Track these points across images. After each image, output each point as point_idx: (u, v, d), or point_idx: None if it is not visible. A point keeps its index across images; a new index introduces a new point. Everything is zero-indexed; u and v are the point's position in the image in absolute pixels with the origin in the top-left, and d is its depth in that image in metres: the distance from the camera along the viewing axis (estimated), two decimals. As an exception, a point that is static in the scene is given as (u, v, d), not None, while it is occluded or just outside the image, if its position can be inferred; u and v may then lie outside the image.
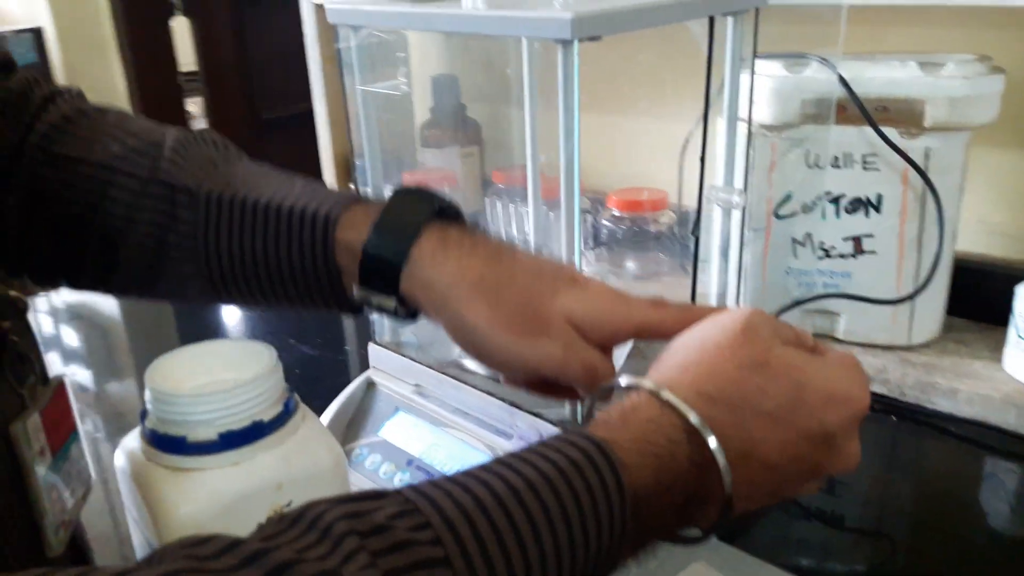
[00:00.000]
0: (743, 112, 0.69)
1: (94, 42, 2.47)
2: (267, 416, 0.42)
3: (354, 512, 0.30)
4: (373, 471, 0.66)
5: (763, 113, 0.83)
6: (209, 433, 0.41)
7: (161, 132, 0.52)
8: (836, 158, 0.84)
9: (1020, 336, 0.80)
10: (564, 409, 0.59)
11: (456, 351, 0.57)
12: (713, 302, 0.72)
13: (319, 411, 0.69)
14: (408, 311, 0.47)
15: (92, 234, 0.49)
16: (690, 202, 0.68)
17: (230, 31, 2.71)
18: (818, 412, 0.40)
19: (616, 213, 0.94)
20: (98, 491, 0.69)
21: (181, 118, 2.73)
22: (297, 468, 0.43)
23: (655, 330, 0.46)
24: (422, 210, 0.46)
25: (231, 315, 1.11)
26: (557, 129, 0.54)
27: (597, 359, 0.45)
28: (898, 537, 0.69)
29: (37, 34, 2.38)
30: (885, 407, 0.82)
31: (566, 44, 0.50)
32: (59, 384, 0.45)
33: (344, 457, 0.47)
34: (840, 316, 0.89)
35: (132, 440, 0.44)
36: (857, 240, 0.85)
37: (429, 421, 0.66)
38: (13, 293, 0.42)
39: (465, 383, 0.64)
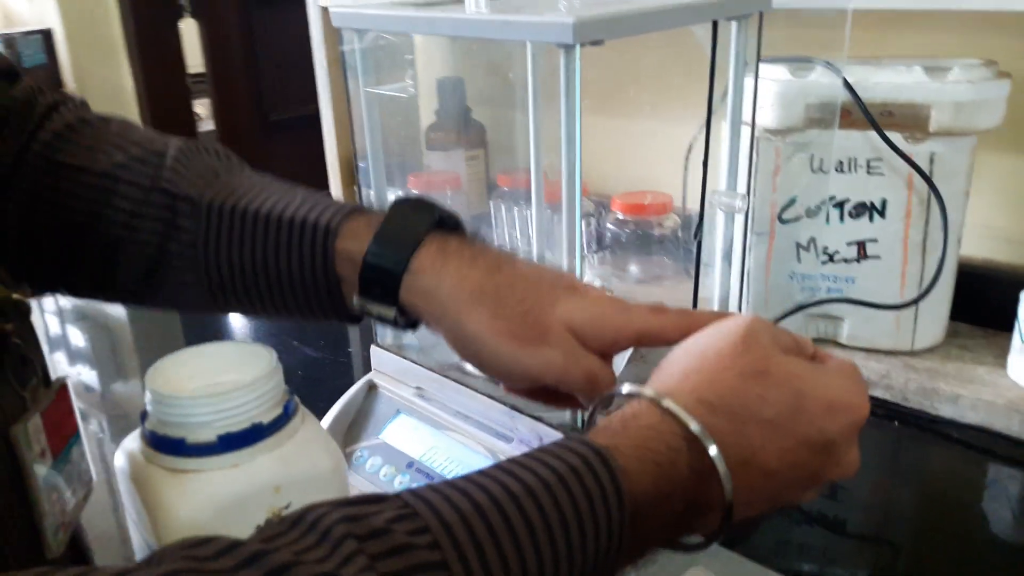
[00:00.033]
0: (747, 116, 0.68)
1: (103, 44, 2.48)
2: (266, 418, 0.43)
3: (353, 515, 0.30)
4: (373, 473, 0.66)
5: (768, 117, 0.83)
6: (208, 435, 0.41)
7: (164, 142, 0.52)
8: (840, 162, 0.83)
9: (1024, 342, 0.79)
10: (564, 413, 0.59)
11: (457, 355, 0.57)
12: (716, 307, 0.72)
13: (322, 413, 0.69)
14: (408, 321, 0.48)
15: (93, 242, 0.50)
16: (694, 206, 0.68)
17: (238, 33, 2.72)
18: (818, 420, 0.40)
19: (620, 216, 0.94)
20: (103, 492, 0.70)
21: (189, 120, 2.74)
22: (296, 470, 0.43)
23: (655, 336, 0.46)
24: (422, 220, 0.46)
25: (236, 317, 1.12)
26: (561, 132, 0.54)
27: (597, 367, 0.45)
28: (900, 543, 0.69)
29: (46, 35, 2.39)
30: (888, 412, 0.82)
31: (568, 48, 0.50)
32: (61, 386, 0.45)
33: (343, 460, 0.47)
34: (843, 321, 0.89)
35: (132, 441, 0.44)
36: (861, 245, 0.85)
37: (430, 424, 0.66)
38: (16, 296, 0.42)
39: (466, 386, 0.64)
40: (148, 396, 0.43)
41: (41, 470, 0.40)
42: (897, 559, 0.67)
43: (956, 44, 0.89)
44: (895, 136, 0.79)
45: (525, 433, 0.60)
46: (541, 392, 0.48)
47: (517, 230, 0.96)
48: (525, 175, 0.77)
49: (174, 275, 0.50)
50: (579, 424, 0.58)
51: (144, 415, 0.44)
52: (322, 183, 1.47)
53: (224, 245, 0.48)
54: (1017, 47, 0.85)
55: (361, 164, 0.70)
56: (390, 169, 0.72)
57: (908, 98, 0.79)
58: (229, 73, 2.74)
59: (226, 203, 0.49)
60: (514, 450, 0.60)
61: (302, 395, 0.48)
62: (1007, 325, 0.82)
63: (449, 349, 0.47)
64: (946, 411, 0.80)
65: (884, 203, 0.83)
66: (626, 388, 0.41)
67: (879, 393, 0.84)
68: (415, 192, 1.01)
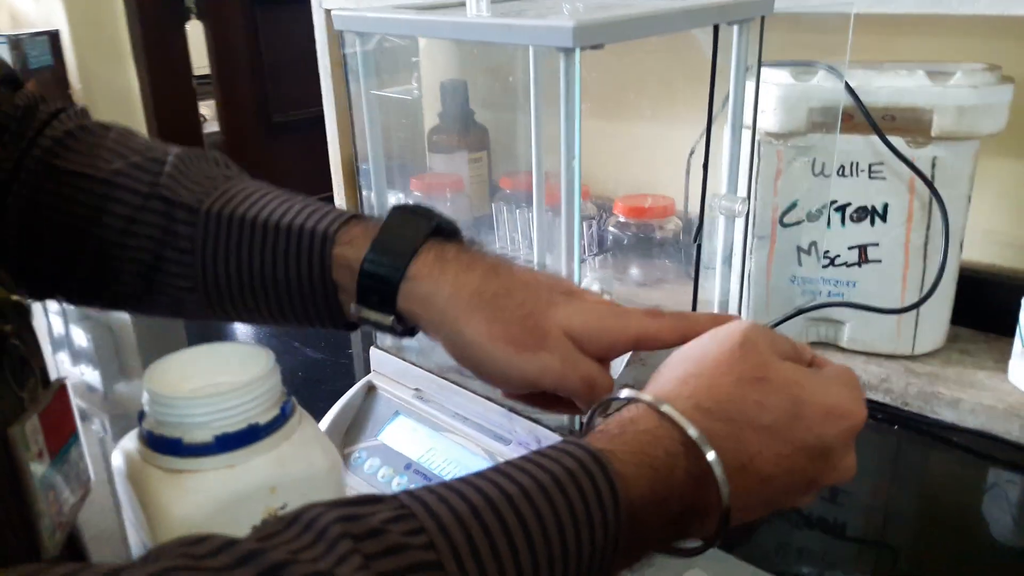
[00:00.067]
0: (748, 120, 0.68)
1: (110, 45, 2.49)
2: (263, 419, 0.43)
3: (349, 515, 0.30)
4: (371, 474, 0.66)
5: (770, 121, 0.83)
6: (205, 435, 0.41)
7: (163, 149, 0.52)
8: (842, 166, 0.83)
9: (1026, 347, 0.79)
10: (562, 416, 0.59)
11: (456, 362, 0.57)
12: (716, 310, 0.72)
13: (322, 414, 0.69)
14: (406, 328, 0.48)
15: (90, 247, 0.50)
16: (696, 209, 0.68)
17: (244, 35, 2.73)
18: (816, 426, 0.40)
19: (622, 219, 0.94)
20: (105, 492, 0.70)
21: (195, 121, 2.74)
22: (292, 471, 0.43)
23: (652, 340, 0.46)
24: (420, 227, 0.47)
25: (238, 318, 1.12)
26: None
27: (595, 371, 0.46)
28: (899, 547, 0.69)
29: (53, 37, 2.40)
30: (888, 416, 0.82)
31: (568, 52, 0.51)
32: (60, 387, 0.45)
33: (340, 461, 0.47)
34: (844, 325, 0.89)
35: (129, 441, 0.45)
36: (862, 249, 0.85)
37: (428, 425, 0.66)
38: (15, 297, 0.42)
39: (465, 388, 0.64)
40: (145, 396, 0.43)
41: (38, 470, 0.41)
42: (897, 563, 0.67)
43: (959, 48, 0.89)
44: (897, 140, 0.79)
45: (523, 435, 0.60)
46: (539, 397, 0.48)
47: (519, 232, 0.96)
48: (527, 178, 0.77)
49: (170, 281, 0.50)
50: (577, 427, 0.58)
51: (141, 415, 0.44)
52: (326, 185, 1.47)
53: (221, 252, 0.49)
54: (1021, 51, 0.85)
55: (362, 166, 0.70)
56: (393, 171, 0.72)
57: (910, 102, 0.79)
58: (234, 75, 2.74)
59: (224, 210, 0.49)
60: (512, 452, 0.60)
61: (303, 396, 0.48)
62: (1008, 330, 0.81)
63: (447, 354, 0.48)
64: (946, 415, 0.80)
65: (886, 207, 0.83)
66: (624, 393, 0.41)
67: (879, 397, 0.84)
68: (418, 194, 1.02)
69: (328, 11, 1.29)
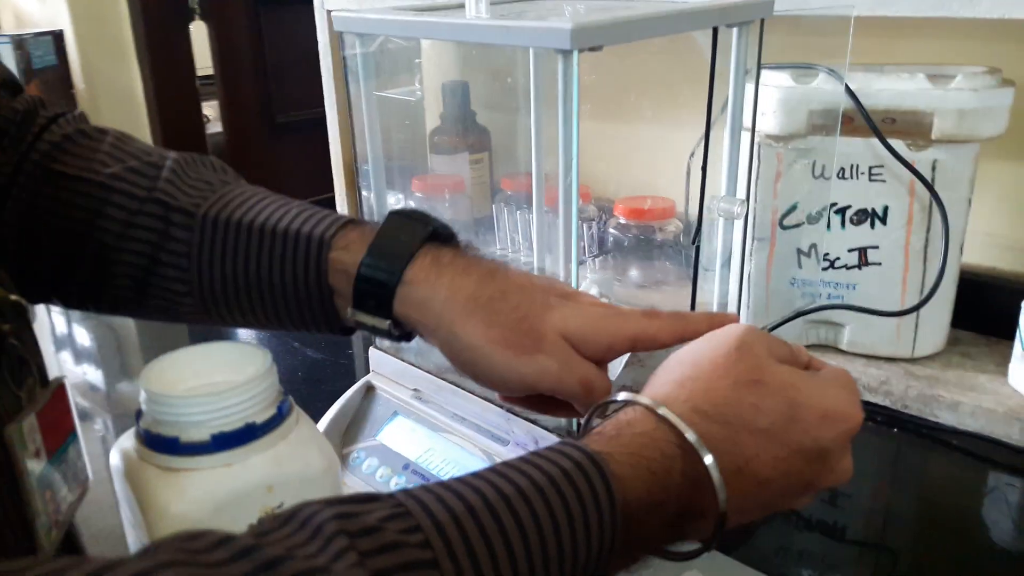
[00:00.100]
0: (748, 122, 0.68)
1: (113, 45, 2.49)
2: (260, 418, 0.43)
3: (345, 513, 0.31)
4: (370, 474, 0.66)
5: (770, 123, 0.83)
6: (202, 434, 0.42)
7: (160, 154, 0.53)
8: (842, 169, 0.83)
9: (1026, 350, 0.79)
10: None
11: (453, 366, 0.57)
12: (714, 311, 0.72)
13: (322, 413, 0.69)
14: (402, 332, 0.48)
15: (87, 251, 0.50)
16: (696, 211, 0.68)
17: (247, 35, 2.73)
18: (812, 429, 0.40)
19: (622, 221, 0.94)
20: (105, 491, 0.70)
21: (198, 122, 2.75)
22: (289, 470, 0.43)
23: (650, 341, 0.46)
24: (416, 232, 0.47)
25: (239, 319, 1.12)
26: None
27: (593, 374, 0.46)
28: (899, 550, 0.69)
29: (57, 37, 2.40)
30: (888, 419, 0.82)
31: (566, 54, 0.51)
32: (59, 386, 0.45)
33: (337, 460, 0.47)
34: (844, 327, 0.89)
35: (127, 440, 0.45)
36: (862, 251, 0.85)
37: (427, 426, 0.66)
38: (14, 297, 0.43)
39: (463, 389, 0.64)
40: (143, 395, 0.43)
41: (35, 469, 0.41)
42: (896, 566, 0.67)
43: (960, 51, 0.89)
44: (897, 143, 0.79)
45: (521, 436, 0.60)
46: (537, 400, 0.48)
47: (520, 234, 0.96)
48: (528, 179, 0.77)
49: (166, 285, 0.50)
50: (575, 428, 0.58)
51: (139, 414, 0.44)
52: (328, 186, 1.47)
53: (217, 256, 0.49)
54: (1022, 54, 0.85)
55: (362, 167, 0.70)
56: (394, 173, 0.72)
57: (911, 105, 0.79)
58: (237, 75, 2.74)
59: (220, 214, 0.49)
60: (510, 453, 0.60)
61: (302, 396, 0.48)
62: (1009, 333, 0.81)
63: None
64: (946, 418, 0.80)
65: (886, 210, 0.83)
66: (622, 395, 0.41)
67: (879, 400, 0.84)
68: (419, 195, 1.02)
69: (330, 12, 1.29)
